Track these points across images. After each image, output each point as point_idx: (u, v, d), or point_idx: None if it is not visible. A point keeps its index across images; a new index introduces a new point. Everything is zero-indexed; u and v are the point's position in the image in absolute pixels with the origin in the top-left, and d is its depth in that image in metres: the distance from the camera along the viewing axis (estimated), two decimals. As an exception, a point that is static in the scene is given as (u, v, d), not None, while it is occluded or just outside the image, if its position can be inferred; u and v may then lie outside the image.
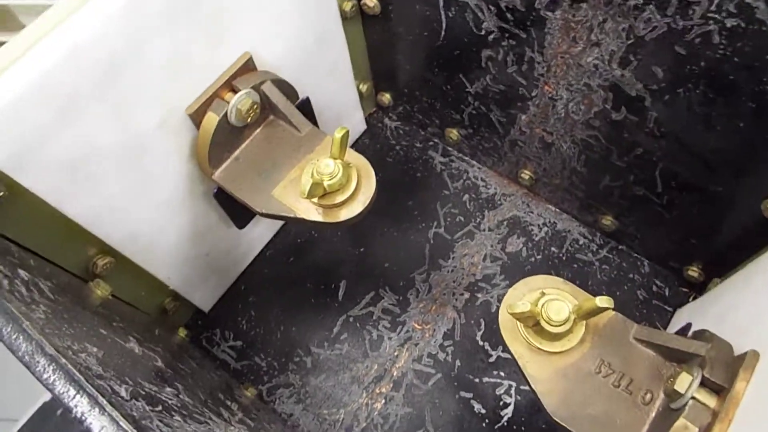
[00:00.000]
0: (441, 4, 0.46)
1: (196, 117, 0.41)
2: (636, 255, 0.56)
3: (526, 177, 0.57)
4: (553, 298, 0.36)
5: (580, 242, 0.57)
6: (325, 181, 0.40)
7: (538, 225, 0.59)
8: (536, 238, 0.58)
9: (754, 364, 0.31)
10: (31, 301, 0.28)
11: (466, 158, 0.63)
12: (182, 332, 0.55)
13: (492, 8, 0.43)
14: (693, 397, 0.31)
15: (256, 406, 0.51)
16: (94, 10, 0.32)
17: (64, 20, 0.32)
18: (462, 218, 0.60)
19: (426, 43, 0.51)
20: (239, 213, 0.50)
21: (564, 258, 0.57)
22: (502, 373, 0.53)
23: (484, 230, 0.59)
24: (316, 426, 0.53)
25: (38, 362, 0.23)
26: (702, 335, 0.35)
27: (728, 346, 0.33)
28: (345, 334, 0.56)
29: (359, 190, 0.42)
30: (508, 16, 0.42)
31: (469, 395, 0.53)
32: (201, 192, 0.46)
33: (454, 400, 0.53)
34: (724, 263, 0.48)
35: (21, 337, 0.24)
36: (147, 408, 0.26)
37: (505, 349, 0.53)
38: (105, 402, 0.23)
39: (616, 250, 0.57)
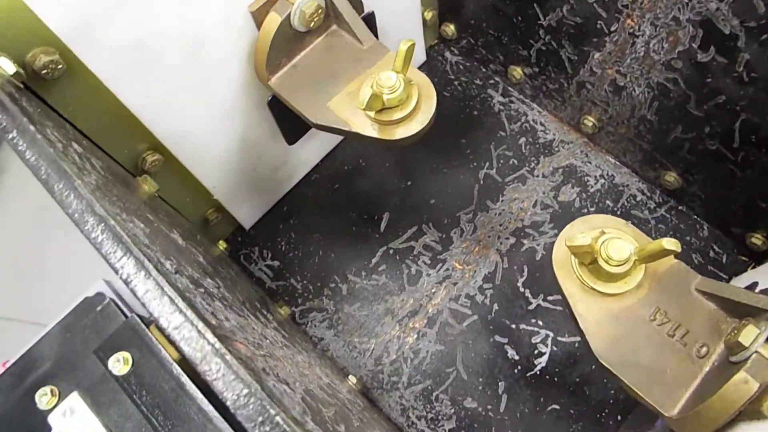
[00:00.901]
0: None
1: (259, 16, 0.40)
2: (696, 217, 0.53)
3: (589, 124, 0.54)
4: (615, 236, 0.34)
5: (638, 198, 0.55)
6: (384, 95, 0.38)
7: (595, 176, 0.56)
8: (591, 190, 0.55)
9: (829, 324, 0.29)
10: (83, 168, 0.27)
11: (527, 100, 0.60)
12: (222, 245, 0.55)
13: (582, -75, 0.39)
14: (757, 352, 0.29)
15: (289, 325, 0.51)
16: None
17: None
18: (516, 161, 0.58)
19: (502, -34, 0.48)
20: (291, 126, 0.49)
21: (618, 213, 0.54)
22: (540, 322, 0.52)
23: (537, 176, 0.57)
24: (346, 353, 0.53)
25: (87, 221, 0.23)
26: (771, 292, 0.33)
27: (799, 304, 0.31)
28: (384, 265, 0.55)
29: (418, 109, 0.40)
30: (600, -66, 0.39)
31: (504, 340, 0.51)
32: (255, 99, 0.45)
33: (488, 343, 0.52)
34: (794, 232, 0.45)
35: (72, 195, 0.23)
36: (190, 286, 0.25)
37: (551, 294, 0.51)
38: (151, 267, 0.22)
39: (675, 210, 0.54)
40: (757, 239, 0.49)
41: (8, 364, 0.56)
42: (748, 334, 0.30)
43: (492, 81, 0.61)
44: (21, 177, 1.63)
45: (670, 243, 0.31)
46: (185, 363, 0.50)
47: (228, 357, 0.20)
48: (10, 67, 0.29)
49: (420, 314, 0.53)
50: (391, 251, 0.56)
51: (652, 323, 0.34)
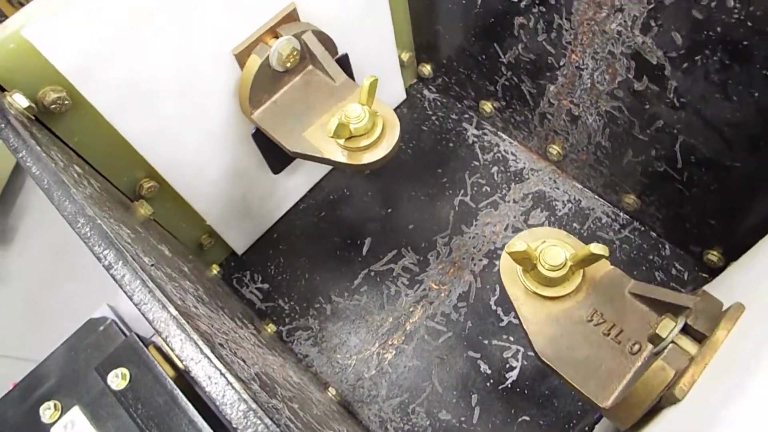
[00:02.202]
0: (478, -29, 0.48)
1: (241, 58, 0.45)
2: (657, 236, 0.56)
3: (554, 152, 0.59)
4: (552, 244, 0.38)
5: (603, 221, 0.58)
6: (351, 124, 0.43)
7: (563, 201, 0.60)
8: (559, 213, 0.59)
9: (738, 316, 0.32)
10: (79, 182, 0.32)
11: (499, 132, 0.64)
12: (215, 269, 0.60)
13: (524, -25, 0.45)
14: (673, 342, 0.32)
15: (274, 341, 0.55)
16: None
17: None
18: (488, 189, 0.62)
19: (464, 11, 0.53)
20: (275, 157, 0.54)
21: (585, 235, 0.58)
22: (511, 338, 0.55)
23: (508, 201, 0.61)
24: (329, 368, 0.56)
25: (79, 221, 0.27)
26: (695, 293, 0.36)
27: (718, 302, 0.34)
28: (365, 286, 0.59)
29: (383, 137, 0.45)
30: (539, -18, 0.44)
31: (477, 355, 0.54)
32: (241, 132, 0.50)
33: (461, 358, 0.55)
34: (744, 248, 0.48)
35: (67, 200, 0.28)
36: (164, 278, 0.30)
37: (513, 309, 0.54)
38: (129, 258, 0.26)
39: (637, 231, 0.57)
40: (713, 256, 0.52)
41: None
42: (666, 327, 0.33)
43: (466, 115, 0.66)
44: (37, 223, 1.70)
45: (598, 248, 0.35)
46: (180, 379, 0.54)
47: (186, 326, 0.24)
48: (23, 102, 0.35)
49: (398, 332, 0.56)
50: (372, 273, 0.60)
51: (589, 324, 0.37)
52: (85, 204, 0.28)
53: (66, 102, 0.38)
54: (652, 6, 0.39)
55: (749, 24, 0.35)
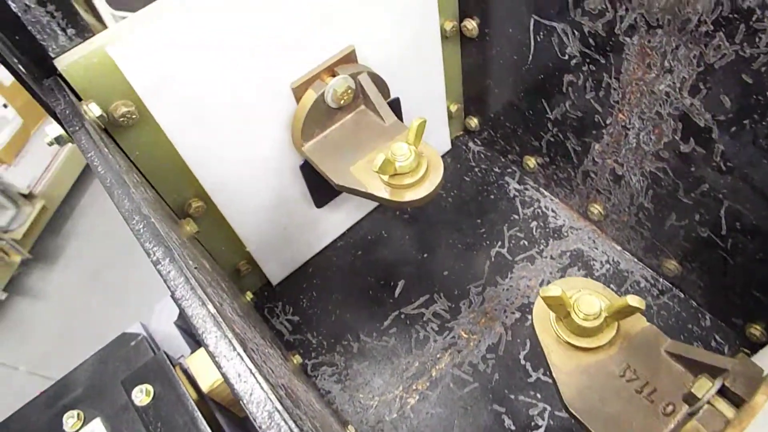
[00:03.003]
0: (531, 27, 0.50)
1: (298, 92, 0.48)
2: (697, 305, 0.55)
3: (595, 212, 0.59)
4: (588, 293, 0.38)
5: (641, 284, 0.57)
6: (396, 162, 0.44)
7: (601, 261, 0.59)
8: (597, 273, 0.59)
9: (781, 381, 0.31)
10: (137, 186, 0.34)
11: (540, 188, 0.65)
12: (249, 296, 0.61)
13: (576, 33, 0.46)
14: (709, 403, 0.31)
15: (299, 373, 0.54)
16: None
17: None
18: (526, 243, 0.62)
19: (515, 67, 0.55)
20: (320, 190, 0.55)
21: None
22: (538, 395, 0.53)
23: (546, 257, 0.61)
24: (350, 407, 0.55)
25: (134, 218, 0.29)
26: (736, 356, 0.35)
27: (758, 367, 0.33)
28: (394, 328, 0.59)
29: (426, 177, 0.46)
30: (590, 41, 0.46)
31: (502, 410, 0.53)
32: (290, 163, 0.52)
33: (486, 411, 0.53)
34: (790, 323, 0.47)
35: (126, 198, 0.30)
36: (205, 282, 0.31)
37: (546, 369, 0.53)
38: (176, 256, 0.28)
39: (677, 298, 0.56)
40: (756, 330, 0.51)
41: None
42: (702, 387, 0.32)
43: (509, 170, 0.67)
44: (82, 246, 1.76)
45: (635, 300, 0.35)
46: (202, 403, 0.54)
47: (223, 324, 0.25)
48: (97, 110, 0.37)
49: (424, 377, 0.55)
50: (402, 316, 0.59)
51: (621, 379, 0.36)
52: (141, 203, 0.29)
53: (134, 116, 0.40)
54: (701, 69, 0.40)
55: (800, 91, 0.35)
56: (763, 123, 0.38)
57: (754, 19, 0.35)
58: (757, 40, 0.35)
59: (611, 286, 0.58)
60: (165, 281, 0.27)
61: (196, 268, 0.30)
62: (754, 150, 0.40)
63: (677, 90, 0.42)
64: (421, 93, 0.59)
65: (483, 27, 0.55)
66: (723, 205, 0.45)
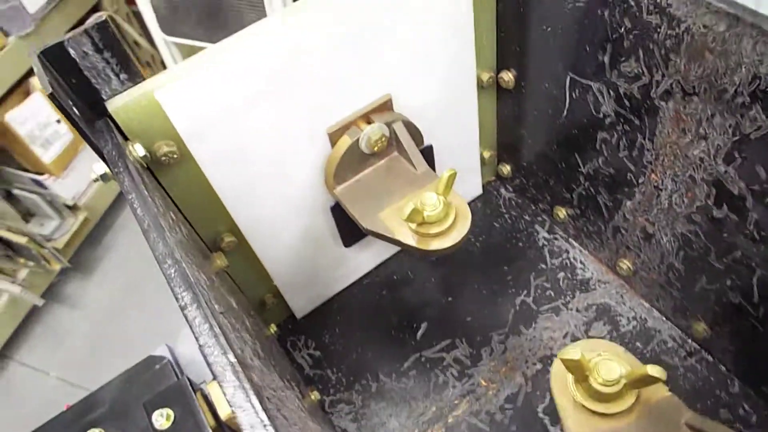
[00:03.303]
0: (567, 84, 0.50)
1: (334, 137, 0.49)
2: (726, 371, 0.53)
3: (624, 267, 0.58)
4: (608, 358, 0.37)
5: (669, 344, 0.56)
6: (425, 211, 0.45)
7: (628, 317, 0.58)
8: (623, 330, 0.58)
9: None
10: (173, 228, 0.35)
11: (570, 239, 0.65)
12: (273, 328, 0.62)
13: (612, 93, 0.47)
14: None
15: (315, 410, 0.55)
16: (287, 29, 0.41)
17: (260, 33, 0.41)
18: (552, 293, 0.61)
19: (550, 120, 0.56)
20: (349, 231, 0.56)
21: (648, 356, 0.56)
22: (557, 452, 0.52)
23: (571, 309, 0.60)
24: (366, 448, 0.55)
25: (167, 261, 0.30)
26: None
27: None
28: (414, 371, 0.59)
29: (454, 227, 0.46)
30: (625, 102, 0.46)
31: (519, 464, 0.52)
32: (321, 204, 0.54)
33: (502, 463, 0.53)
34: (824, 400, 0.45)
35: (161, 242, 0.31)
36: (229, 327, 0.32)
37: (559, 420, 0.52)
38: (203, 302, 0.29)
39: (705, 362, 0.54)
40: (788, 403, 0.49)
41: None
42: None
43: (539, 218, 0.67)
44: (119, 260, 1.81)
45: (655, 369, 0.34)
46: (219, 429, 0.55)
47: (241, 374, 0.26)
48: (141, 151, 0.39)
49: (440, 422, 0.55)
50: (422, 359, 0.59)
51: (640, 448, 0.36)
52: (175, 248, 0.31)
53: (175, 156, 0.42)
54: (737, 138, 0.39)
55: (837, 169, 0.35)
56: (799, 197, 0.38)
57: (790, 95, 0.35)
58: (793, 115, 0.35)
59: (637, 343, 0.56)
60: (190, 327, 0.28)
61: (222, 312, 0.31)
62: (788, 222, 0.39)
63: (711, 156, 0.42)
64: (454, 140, 0.60)
65: (520, 79, 0.56)
66: (755, 273, 0.44)
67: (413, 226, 0.46)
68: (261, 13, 1.48)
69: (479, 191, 0.70)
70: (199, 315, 0.28)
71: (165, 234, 0.32)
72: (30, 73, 1.59)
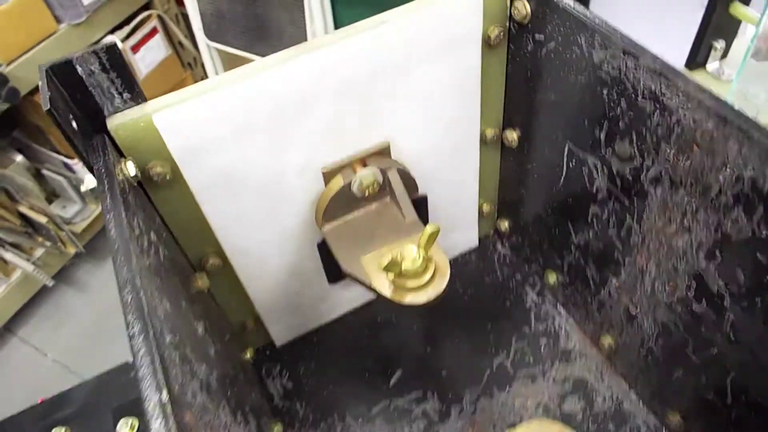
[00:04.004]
0: (566, 153, 0.50)
1: (327, 176, 0.50)
2: (697, 467, 0.52)
3: (607, 344, 0.57)
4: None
5: (641, 430, 0.55)
6: (403, 264, 0.45)
7: (605, 396, 0.57)
8: (597, 408, 0.56)
9: None
10: (146, 252, 0.36)
11: (558, 305, 0.64)
12: (250, 352, 0.62)
13: (605, 170, 0.47)
14: None
15: (278, 442, 0.55)
16: (291, 69, 0.42)
17: (267, 69, 0.42)
18: (531, 359, 0.61)
19: (547, 185, 0.56)
20: (334, 268, 0.57)
21: (619, 439, 0.54)
22: None
23: (548, 379, 0.59)
24: (320, 488, 0.55)
25: (127, 287, 0.31)
26: None
27: None
28: (381, 418, 0.58)
29: (430, 284, 0.46)
30: (617, 181, 0.46)
31: None
32: (309, 238, 0.54)
33: None
34: None
35: (126, 267, 0.32)
36: (177, 360, 0.32)
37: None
38: (152, 335, 0.29)
39: (677, 454, 0.53)
40: None
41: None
42: None
43: (531, 279, 0.67)
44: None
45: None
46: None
47: (169, 415, 0.26)
48: (133, 170, 0.41)
49: (398, 475, 0.55)
50: (392, 407, 0.59)
51: None
52: (138, 275, 0.31)
53: (167, 177, 0.43)
54: (719, 237, 0.39)
55: (812, 285, 0.34)
56: (775, 306, 0.37)
57: (772, 204, 0.34)
58: (773, 224, 0.35)
59: (610, 425, 0.55)
60: (132, 355, 0.28)
61: (172, 344, 0.32)
62: (764, 329, 0.39)
63: (694, 250, 0.41)
64: (452, 191, 0.60)
65: (523, 140, 0.56)
66: (729, 375, 0.43)
67: (390, 276, 0.46)
68: (301, 30, 1.52)
69: (475, 243, 0.70)
70: (144, 347, 0.29)
71: (132, 259, 0.32)
72: (75, 63, 1.64)
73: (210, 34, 1.75)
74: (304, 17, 1.47)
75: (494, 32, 0.48)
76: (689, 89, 0.36)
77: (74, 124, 0.38)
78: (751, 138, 0.33)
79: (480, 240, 0.70)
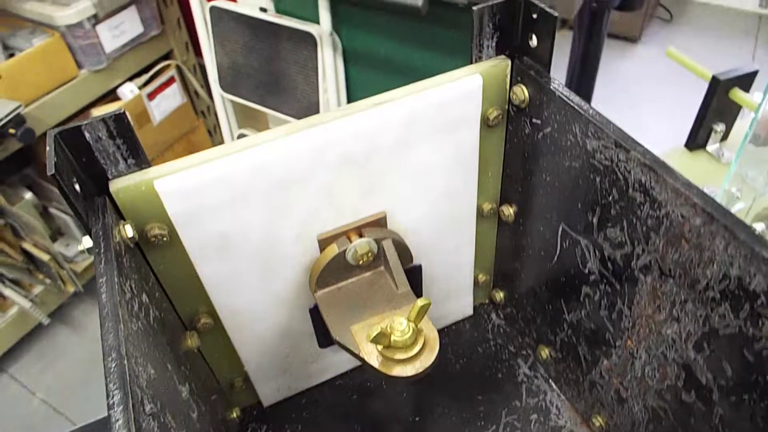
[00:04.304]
0: (560, 233, 0.51)
1: (323, 244, 0.50)
2: None
3: (597, 424, 0.56)
4: None
5: None
6: (392, 336, 0.45)
7: (594, 479, 0.56)
8: (586, 491, 0.55)
9: None
10: (136, 316, 0.37)
11: (550, 380, 0.63)
12: (236, 412, 0.61)
13: (597, 253, 0.47)
14: None
15: None
16: (291, 143, 0.44)
17: (269, 141, 0.43)
18: (521, 435, 0.60)
19: (542, 261, 0.56)
20: (325, 333, 0.57)
21: None
22: None
23: (537, 457, 0.58)
24: None
25: (111, 354, 0.31)
26: None
27: None
28: (365, 488, 0.57)
29: (418, 357, 0.46)
30: (609, 265, 0.46)
31: None
32: (302, 302, 0.54)
33: None
34: None
35: (112, 333, 0.32)
36: (156, 429, 0.32)
37: None
38: (130, 405, 0.29)
39: None
40: None
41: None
42: None
43: (524, 352, 0.66)
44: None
45: None
46: None
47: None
48: (131, 232, 0.41)
49: None
50: (376, 477, 0.58)
51: None
52: (123, 343, 0.32)
53: (165, 238, 0.44)
54: (706, 330, 0.39)
55: (798, 388, 0.34)
56: (762, 404, 0.37)
57: (758, 303, 0.34)
58: (760, 323, 0.35)
59: None
60: (110, 424, 0.28)
61: (151, 414, 0.32)
62: (751, 426, 0.38)
63: (683, 340, 0.41)
64: (447, 262, 0.61)
65: (519, 216, 0.57)
66: (719, 469, 0.42)
67: (379, 347, 0.46)
68: (314, 87, 1.56)
69: (470, 312, 0.70)
70: (122, 418, 0.29)
71: (119, 326, 0.33)
72: (92, 104, 1.69)
73: (225, 86, 1.80)
74: (317, 75, 1.52)
75: (493, 114, 0.50)
76: (678, 185, 0.37)
77: (77, 187, 0.39)
78: (737, 238, 0.34)
79: (475, 308, 0.70)
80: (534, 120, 0.48)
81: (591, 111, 0.42)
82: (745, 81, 0.81)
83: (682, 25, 3.12)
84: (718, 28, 3.08)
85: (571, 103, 0.43)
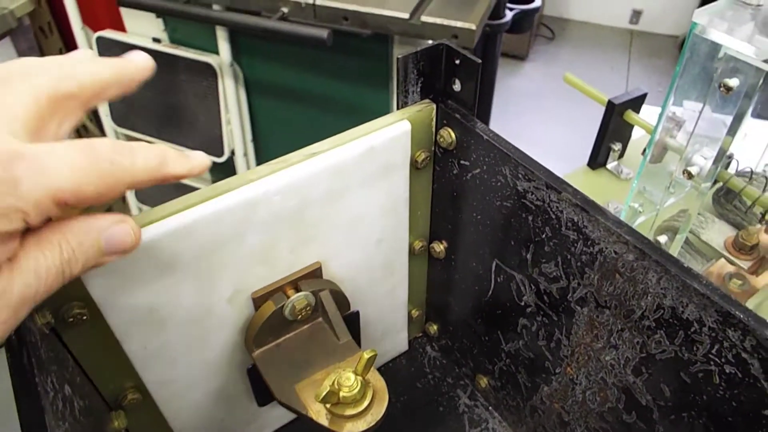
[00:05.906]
0: (493, 269, 0.52)
1: (258, 301, 0.48)
2: None
3: (541, 448, 0.58)
4: None
5: None
6: (341, 393, 0.44)
7: (543, 502, 0.57)
8: None
9: None
10: (63, 416, 0.33)
11: (491, 408, 0.64)
12: (171, 488, 0.57)
13: (533, 287, 0.48)
14: None
15: None
16: (219, 204, 0.41)
17: (192, 206, 0.41)
18: (469, 468, 0.60)
19: (475, 295, 0.57)
20: (265, 392, 0.54)
21: None
22: None
23: (487, 488, 0.58)
24: None
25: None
26: None
27: None
28: None
29: (369, 410, 0.45)
30: (545, 298, 0.48)
31: None
32: (238, 363, 0.52)
33: None
34: None
35: (39, 447, 0.28)
36: None
37: None
38: None
39: None
40: None
41: None
42: None
43: (462, 382, 0.67)
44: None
45: None
46: None
47: None
48: (46, 317, 0.37)
49: None
50: None
51: None
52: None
53: (84, 317, 0.40)
54: (644, 355, 0.41)
55: (734, 404, 0.36)
56: (700, 421, 0.39)
57: (691, 330, 0.37)
58: (694, 348, 0.37)
59: None
60: None
61: None
62: (691, 443, 0.40)
63: (621, 365, 0.43)
64: (383, 304, 0.60)
65: (450, 252, 0.58)
66: (662, 484, 0.45)
67: (327, 405, 0.44)
68: (216, 119, 1.51)
69: (405, 347, 0.70)
70: None
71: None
72: None
73: (118, 119, 1.69)
74: (218, 106, 1.47)
75: (421, 156, 0.50)
76: (609, 224, 0.38)
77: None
78: (669, 272, 0.36)
79: (409, 342, 0.70)
80: (462, 161, 0.49)
81: (519, 153, 0.44)
82: (637, 103, 0.88)
83: (563, 43, 3.37)
84: (595, 44, 3.35)
85: (499, 146, 0.44)
